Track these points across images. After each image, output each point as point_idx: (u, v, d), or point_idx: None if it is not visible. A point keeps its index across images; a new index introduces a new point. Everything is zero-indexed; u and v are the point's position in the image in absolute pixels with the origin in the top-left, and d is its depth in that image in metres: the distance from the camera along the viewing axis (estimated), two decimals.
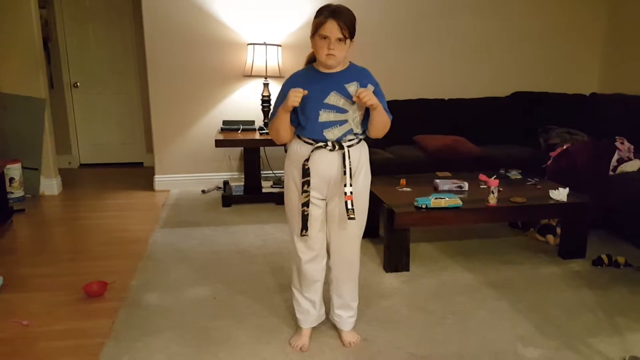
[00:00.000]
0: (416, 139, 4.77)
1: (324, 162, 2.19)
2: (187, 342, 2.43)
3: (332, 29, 2.04)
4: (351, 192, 2.18)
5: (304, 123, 2.17)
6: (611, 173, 3.91)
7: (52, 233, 4.01)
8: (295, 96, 2.05)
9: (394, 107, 5.06)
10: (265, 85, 4.76)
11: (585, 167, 3.95)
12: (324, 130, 2.16)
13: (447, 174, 3.89)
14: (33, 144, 4.84)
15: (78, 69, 6.14)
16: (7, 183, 4.47)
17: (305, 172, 2.18)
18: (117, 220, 4.24)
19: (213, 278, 3.12)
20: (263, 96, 4.76)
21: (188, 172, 5.21)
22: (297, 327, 2.49)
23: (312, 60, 2.24)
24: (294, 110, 2.16)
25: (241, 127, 4.76)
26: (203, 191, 5.09)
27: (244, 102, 5.09)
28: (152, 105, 5.01)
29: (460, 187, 3.50)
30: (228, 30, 4.93)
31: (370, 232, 3.78)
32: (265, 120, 4.79)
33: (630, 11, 5.21)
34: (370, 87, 2.14)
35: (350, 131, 2.19)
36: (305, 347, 2.38)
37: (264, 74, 4.72)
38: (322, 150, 2.18)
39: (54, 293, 2.93)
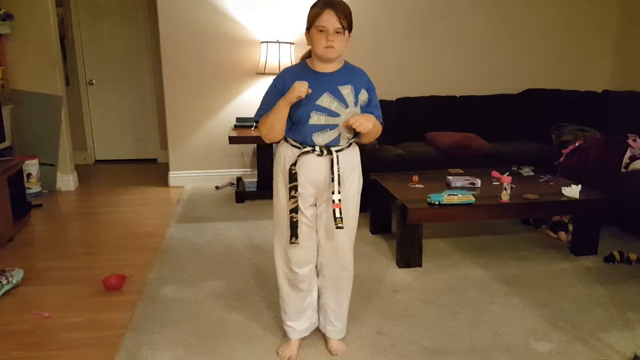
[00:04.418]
0: (428, 136, 4.79)
1: (312, 167, 2.08)
2: (204, 333, 2.48)
3: (329, 19, 1.94)
4: (339, 200, 2.07)
5: (293, 124, 2.07)
6: (623, 170, 3.91)
7: (69, 227, 4.09)
8: (302, 86, 1.94)
9: (406, 104, 5.13)
10: None
11: (597, 164, 3.96)
12: (313, 134, 2.05)
13: (459, 170, 3.92)
14: (50, 141, 4.92)
15: (93, 66, 6.23)
16: (25, 178, 4.55)
17: (292, 177, 2.07)
18: (133, 215, 4.31)
19: (228, 272, 3.17)
20: None
21: (202, 169, 5.27)
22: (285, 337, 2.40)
23: (306, 58, 2.15)
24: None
25: (254, 124, 4.81)
26: (217, 187, 5.14)
27: (257, 100, 5.07)
28: (167, 102, 5.07)
29: (473, 183, 3.52)
30: (242, 28, 4.98)
31: (382, 228, 3.82)
32: None
33: None
34: (357, 117, 1.99)
35: (340, 136, 2.09)
36: (294, 357, 2.30)
37: (277, 72, 4.76)
38: (310, 155, 2.07)
39: (73, 286, 3.00)
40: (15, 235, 3.77)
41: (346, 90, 2.05)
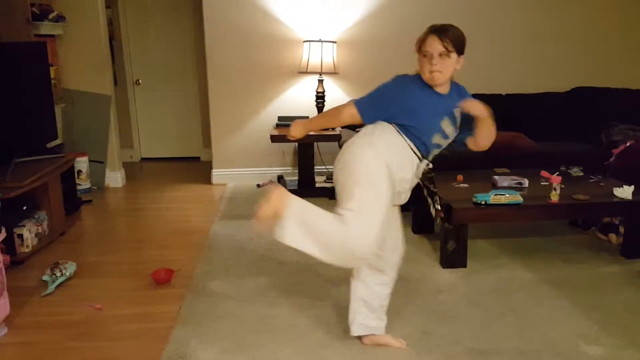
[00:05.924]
0: None
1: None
2: (250, 328, 2.52)
3: (432, 43, 2.01)
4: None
5: (419, 136, 2.09)
6: None
7: (117, 223, 4.21)
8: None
9: None
10: (320, 81, 4.82)
11: None
12: (431, 151, 2.16)
13: (505, 170, 3.85)
14: (99, 139, 5.07)
15: (140, 66, 6.38)
16: (76, 175, 4.70)
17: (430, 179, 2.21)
18: (178, 212, 4.40)
19: (271, 269, 3.21)
20: (317, 92, 4.83)
21: (244, 167, 5.34)
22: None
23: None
24: (394, 104, 2.08)
25: None
26: (258, 185, 5.20)
27: (299, 98, 5.16)
28: (211, 101, 5.16)
29: (520, 183, 3.46)
30: (284, 27, 5.02)
31: (425, 228, 3.79)
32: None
33: None
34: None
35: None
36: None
37: (319, 71, 4.78)
38: (421, 164, 2.18)
39: (123, 279, 3.09)
40: (67, 230, 3.90)
41: (457, 114, 2.13)
